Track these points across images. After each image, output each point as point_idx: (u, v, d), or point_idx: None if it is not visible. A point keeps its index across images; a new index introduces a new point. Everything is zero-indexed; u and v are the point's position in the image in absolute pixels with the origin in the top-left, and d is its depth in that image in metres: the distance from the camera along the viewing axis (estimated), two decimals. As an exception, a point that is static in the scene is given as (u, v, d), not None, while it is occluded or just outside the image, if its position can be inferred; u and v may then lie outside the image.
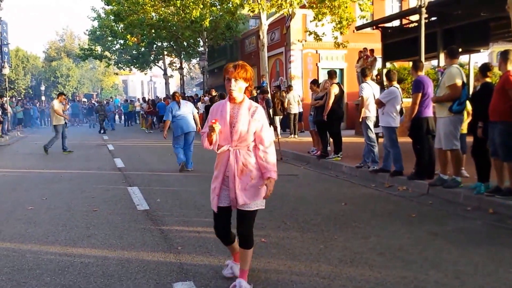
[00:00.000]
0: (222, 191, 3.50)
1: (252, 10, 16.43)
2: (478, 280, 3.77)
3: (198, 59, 32.16)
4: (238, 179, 3.42)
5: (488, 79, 6.51)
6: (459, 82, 6.58)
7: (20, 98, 37.42)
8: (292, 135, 16.35)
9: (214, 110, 3.53)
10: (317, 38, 17.96)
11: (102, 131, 25.00)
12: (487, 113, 6.06)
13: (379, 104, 8.11)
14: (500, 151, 5.92)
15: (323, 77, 17.21)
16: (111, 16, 28.57)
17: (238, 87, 3.40)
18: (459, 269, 4.01)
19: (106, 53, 36.71)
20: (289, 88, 17.26)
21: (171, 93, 18.20)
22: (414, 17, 13.61)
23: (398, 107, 8.13)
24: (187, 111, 10.09)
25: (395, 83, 8.21)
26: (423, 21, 10.60)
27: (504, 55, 6.00)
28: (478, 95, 6.54)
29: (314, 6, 17.16)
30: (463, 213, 5.96)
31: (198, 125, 10.23)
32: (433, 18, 13.17)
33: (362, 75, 9.53)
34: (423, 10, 10.36)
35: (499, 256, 4.34)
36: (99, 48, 36.60)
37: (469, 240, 4.86)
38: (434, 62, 16.45)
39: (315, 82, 11.52)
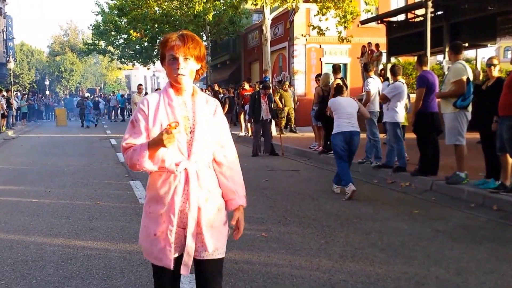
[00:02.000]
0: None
1: (255, 4, 16.38)
2: (480, 277, 3.78)
3: (201, 53, 32.06)
4: (205, 213, 2.27)
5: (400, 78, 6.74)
6: (464, 78, 6.57)
7: (24, 93, 37.52)
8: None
9: (149, 105, 2.25)
10: (321, 32, 17.90)
11: (84, 126, 25.54)
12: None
13: (385, 99, 8.08)
14: (508, 146, 5.91)
15: (324, 72, 17.14)
16: (114, 10, 28.56)
17: (189, 70, 2.23)
18: (461, 265, 4.02)
19: (110, 47, 36.73)
20: (282, 84, 17.05)
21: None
22: (420, 11, 13.56)
23: (404, 102, 8.12)
24: None
25: (400, 78, 8.19)
26: (429, 15, 10.55)
27: None
28: (490, 90, 6.49)
29: (318, 0, 17.10)
30: (466, 210, 5.96)
31: None
32: (439, 12, 13.11)
33: (365, 70, 9.52)
34: (429, 4, 10.32)
35: (503, 253, 4.35)
36: (102, 43, 36.62)
37: (472, 237, 4.87)
38: (440, 57, 16.40)
39: (319, 77, 11.55)
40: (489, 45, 15.27)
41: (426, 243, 4.65)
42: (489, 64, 6.50)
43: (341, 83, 9.97)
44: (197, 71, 2.29)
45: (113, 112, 34.92)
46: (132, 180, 8.34)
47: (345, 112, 7.03)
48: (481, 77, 9.68)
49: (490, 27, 12.19)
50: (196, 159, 2.23)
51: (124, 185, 7.92)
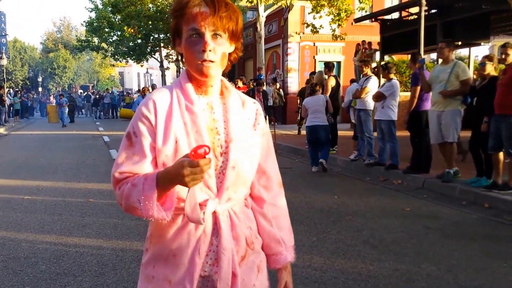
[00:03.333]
0: None
1: (250, 1, 16.39)
2: (470, 273, 3.82)
3: (195, 51, 32.03)
4: (242, 280, 1.50)
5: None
6: (470, 77, 6.63)
7: (17, 89, 37.35)
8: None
9: (156, 109, 1.44)
10: (315, 30, 17.93)
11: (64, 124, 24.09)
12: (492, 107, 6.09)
13: (381, 97, 8.05)
14: (508, 144, 5.94)
15: (318, 70, 17.20)
16: (108, 7, 28.49)
17: (220, 53, 1.44)
18: (452, 262, 4.06)
19: (103, 44, 36.60)
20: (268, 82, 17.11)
21: (158, 85, 18.25)
22: (414, 10, 13.59)
23: (398, 100, 8.16)
24: None
25: (393, 76, 8.23)
26: (423, 13, 10.56)
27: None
28: (485, 89, 6.50)
29: (313, -2, 17.14)
30: (458, 207, 6.01)
31: None
32: (433, 11, 13.14)
33: (366, 66, 9.52)
34: (423, 2, 10.32)
35: (493, 250, 4.39)
36: (96, 40, 36.50)
37: (463, 234, 4.91)
38: (434, 55, 16.47)
39: (313, 74, 11.60)
40: (482, 43, 15.30)
41: (417, 240, 4.69)
42: (483, 62, 6.51)
43: (335, 82, 10.03)
44: (229, 56, 1.48)
45: (110, 110, 34.75)
46: (125, 177, 8.32)
47: (312, 109, 8.76)
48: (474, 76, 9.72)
49: (484, 25, 12.21)
50: (229, 196, 1.45)
51: (117, 182, 7.90)
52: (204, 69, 1.40)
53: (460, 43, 13.72)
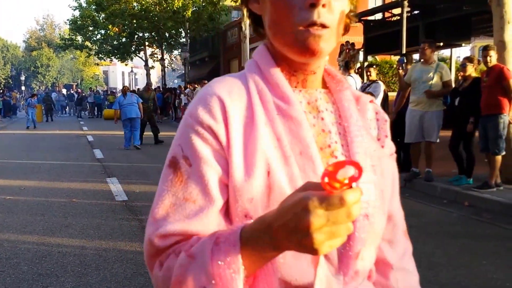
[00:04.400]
0: None
1: (234, 0, 16.39)
2: (451, 271, 3.87)
3: (180, 50, 31.98)
4: None
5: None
6: (451, 78, 6.71)
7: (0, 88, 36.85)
8: None
9: (228, 116, 0.79)
10: (300, 30, 18.02)
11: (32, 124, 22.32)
12: (478, 108, 6.17)
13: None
14: (493, 144, 6.03)
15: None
16: (92, 5, 28.24)
17: (339, 11, 0.81)
18: (433, 260, 4.11)
19: (87, 43, 36.27)
20: None
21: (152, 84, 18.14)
22: (397, 11, 13.73)
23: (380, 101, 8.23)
24: (132, 101, 12.66)
25: (375, 77, 8.30)
26: (405, 14, 10.72)
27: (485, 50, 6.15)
28: (468, 90, 6.58)
29: (298, -2, 17.19)
30: (439, 206, 6.09)
31: (141, 111, 12.77)
32: (415, 12, 13.29)
33: (346, 67, 9.59)
34: (406, 3, 10.47)
35: (473, 248, 4.45)
36: (79, 38, 36.16)
37: (444, 232, 4.98)
38: (416, 56, 16.64)
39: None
40: (463, 44, 15.54)
41: (399, 238, 4.73)
42: (463, 64, 6.60)
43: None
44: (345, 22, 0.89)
45: (96, 108, 34.42)
46: (108, 177, 8.27)
47: None
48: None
49: (465, 27, 12.39)
50: (357, 269, 0.83)
51: (100, 182, 7.84)
52: (310, 41, 0.78)
53: (442, 44, 13.89)
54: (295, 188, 0.65)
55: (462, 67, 6.66)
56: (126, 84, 67.50)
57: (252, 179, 0.76)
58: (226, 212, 0.79)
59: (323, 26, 0.78)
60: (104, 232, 5.03)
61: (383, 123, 0.95)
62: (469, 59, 6.61)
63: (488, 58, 6.09)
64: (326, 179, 0.59)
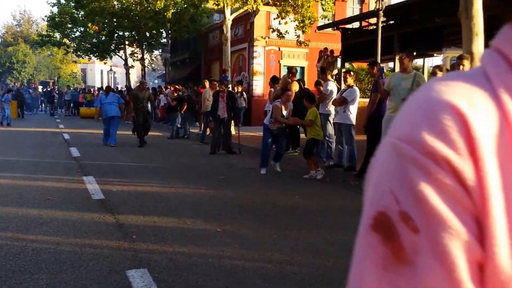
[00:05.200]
0: None
1: (217, 4, 16.36)
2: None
3: (160, 50, 31.76)
4: None
5: None
6: None
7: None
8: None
9: (467, 146, 0.44)
10: (280, 35, 18.11)
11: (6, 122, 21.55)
12: None
13: (344, 102, 8.19)
14: None
15: (284, 74, 17.36)
16: (71, 2, 27.81)
17: None
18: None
19: (65, 40, 35.68)
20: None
21: (131, 83, 17.98)
22: (373, 20, 13.94)
23: (357, 106, 8.35)
24: (113, 101, 13.14)
25: (352, 83, 8.43)
26: (380, 24, 10.87)
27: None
28: None
29: (278, 4, 17.27)
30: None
31: (122, 111, 13.49)
32: (390, 22, 13.52)
33: (322, 73, 9.69)
34: (381, 13, 10.62)
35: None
36: (57, 35, 35.54)
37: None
38: (391, 64, 16.92)
39: (274, 79, 11.69)
40: (435, 54, 15.89)
41: (373, 239, 4.81)
42: (434, 72, 6.75)
43: (298, 87, 10.15)
44: None
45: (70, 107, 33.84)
46: (85, 175, 8.14)
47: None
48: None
49: (437, 37, 12.66)
50: None
51: (76, 181, 7.72)
52: None
53: (415, 53, 14.15)
54: None
55: (432, 75, 6.81)
56: (105, 82, 66.70)
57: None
58: None
59: None
60: (79, 230, 4.95)
61: None
62: (439, 68, 6.77)
63: (461, 67, 6.24)
64: None
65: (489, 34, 10.09)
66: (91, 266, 3.88)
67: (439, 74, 6.63)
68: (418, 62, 17.72)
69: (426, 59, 16.89)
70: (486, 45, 6.02)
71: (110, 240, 4.58)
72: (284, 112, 8.50)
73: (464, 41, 6.67)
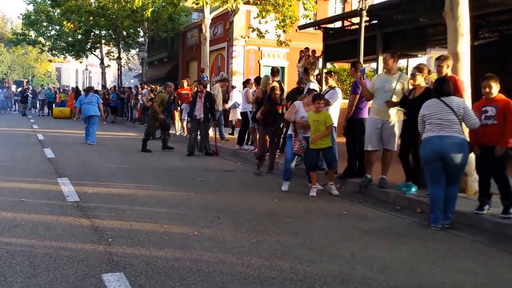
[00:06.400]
0: None
1: (196, 2, 16.36)
2: (401, 275, 4.02)
3: (137, 50, 31.54)
4: None
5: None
6: None
7: None
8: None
9: None
10: (260, 35, 18.17)
11: None
12: None
13: (326, 104, 8.22)
14: None
15: (264, 74, 17.40)
16: (47, 0, 27.47)
17: None
18: (384, 264, 4.25)
19: (40, 38, 35.22)
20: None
21: (107, 83, 17.85)
22: (356, 20, 14.08)
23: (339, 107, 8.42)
24: (92, 101, 13.91)
25: (334, 84, 8.48)
26: (363, 24, 10.97)
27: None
28: (420, 100, 6.67)
29: (258, 3, 17.35)
30: (392, 212, 6.29)
31: (101, 111, 14.39)
32: (373, 22, 13.67)
33: (305, 73, 9.76)
34: (364, 13, 10.73)
35: (423, 253, 4.64)
36: (33, 34, 35.06)
37: (396, 237, 5.16)
38: (374, 65, 17.12)
39: (257, 80, 11.75)
40: (419, 55, 16.11)
41: (352, 242, 4.88)
42: (413, 73, 6.79)
43: (278, 86, 10.19)
44: None
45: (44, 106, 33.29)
46: (59, 177, 8.07)
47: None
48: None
49: (421, 38, 12.86)
50: None
51: (51, 182, 7.64)
52: None
53: (398, 53, 14.33)
54: None
55: (412, 76, 6.83)
56: (80, 82, 65.91)
57: None
58: None
59: None
60: (54, 232, 4.92)
61: None
62: (418, 69, 6.73)
63: (439, 68, 6.31)
64: None
65: (475, 34, 10.38)
66: (66, 270, 3.86)
67: (419, 75, 6.65)
68: (402, 62, 17.96)
69: (410, 59, 17.13)
70: (472, 46, 6.10)
71: (85, 243, 4.57)
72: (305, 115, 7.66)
73: (449, 41, 6.75)
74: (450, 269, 4.20)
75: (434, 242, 5.04)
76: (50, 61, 46.97)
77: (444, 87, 5.67)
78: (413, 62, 19.51)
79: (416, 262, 4.36)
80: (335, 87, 8.37)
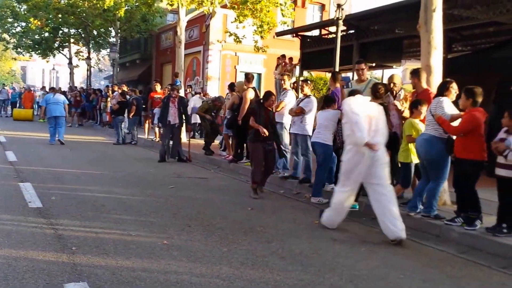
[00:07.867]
0: None
1: (171, 4, 16.35)
2: (370, 283, 4.13)
3: (108, 50, 31.26)
4: None
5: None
6: None
7: None
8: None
9: None
10: (237, 40, 18.27)
11: None
12: None
13: (301, 112, 8.31)
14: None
15: (238, 80, 17.49)
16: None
17: None
18: (354, 273, 4.36)
19: (4, 35, 34.52)
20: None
21: (75, 83, 17.67)
22: (333, 29, 14.34)
23: (314, 116, 8.52)
24: (58, 101, 14.46)
25: (310, 92, 8.60)
26: (339, 33, 11.19)
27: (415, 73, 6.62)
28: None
29: (236, 7, 17.46)
30: (363, 222, 6.42)
31: (66, 111, 14.80)
32: (350, 31, 13.95)
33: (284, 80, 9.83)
34: (340, 22, 10.94)
35: (393, 262, 4.77)
36: (-4, 30, 34.35)
37: (367, 247, 5.27)
38: (350, 74, 17.42)
39: (231, 86, 11.82)
40: (394, 66, 16.48)
41: (323, 251, 4.98)
42: (301, 86, 7.10)
43: (253, 94, 10.26)
44: None
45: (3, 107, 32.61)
46: (21, 182, 7.93)
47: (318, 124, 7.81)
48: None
49: (397, 49, 13.18)
50: None
51: (12, 187, 7.51)
52: None
53: (374, 64, 14.67)
54: None
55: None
56: (47, 81, 64.77)
57: None
58: None
59: None
60: (14, 240, 4.84)
61: None
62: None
63: (392, 85, 6.72)
64: None
65: (448, 48, 10.69)
66: (26, 279, 3.82)
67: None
68: (377, 73, 18.32)
69: (386, 70, 17.52)
70: (444, 59, 6.32)
71: (47, 252, 4.52)
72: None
73: (422, 54, 6.97)
74: (417, 278, 4.35)
75: (404, 251, 5.18)
76: (15, 59, 46.12)
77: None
78: (388, 72, 19.95)
79: (385, 270, 4.49)
80: (310, 95, 8.49)
